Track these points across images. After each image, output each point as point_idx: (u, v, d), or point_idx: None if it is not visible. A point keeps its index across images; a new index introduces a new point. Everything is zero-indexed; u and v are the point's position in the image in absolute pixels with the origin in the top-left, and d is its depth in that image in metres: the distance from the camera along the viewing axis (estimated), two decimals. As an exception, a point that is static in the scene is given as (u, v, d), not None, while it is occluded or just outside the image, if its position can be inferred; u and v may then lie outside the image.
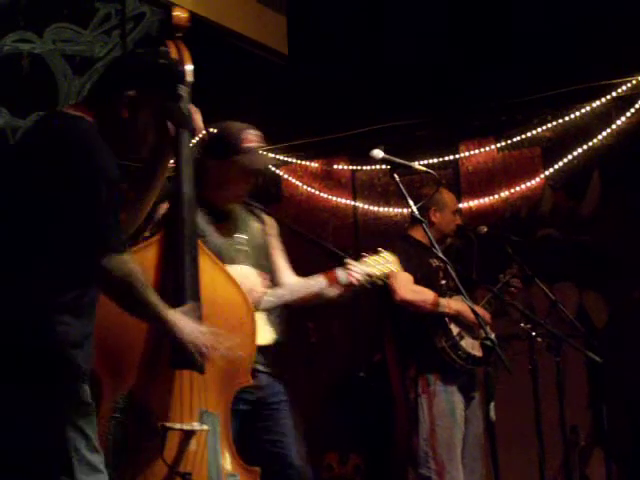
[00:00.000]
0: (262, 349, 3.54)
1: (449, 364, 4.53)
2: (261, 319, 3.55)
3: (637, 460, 5.35)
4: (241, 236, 3.68)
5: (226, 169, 3.60)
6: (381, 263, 3.74)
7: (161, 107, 2.85)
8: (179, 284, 3.16)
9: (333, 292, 3.66)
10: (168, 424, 3.10)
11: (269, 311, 3.61)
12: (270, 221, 3.84)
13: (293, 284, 3.72)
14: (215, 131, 3.68)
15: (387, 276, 3.76)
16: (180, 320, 2.81)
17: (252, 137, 3.62)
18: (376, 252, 3.77)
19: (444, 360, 4.53)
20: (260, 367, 3.57)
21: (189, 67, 3.38)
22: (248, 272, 3.61)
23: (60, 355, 2.56)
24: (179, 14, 3.44)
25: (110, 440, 2.94)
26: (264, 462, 3.47)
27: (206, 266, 3.31)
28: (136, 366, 3.16)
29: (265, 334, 3.57)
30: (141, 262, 3.17)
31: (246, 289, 3.44)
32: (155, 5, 6.11)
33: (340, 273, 3.66)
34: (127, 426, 3.10)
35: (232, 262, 3.55)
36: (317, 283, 3.67)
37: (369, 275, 3.69)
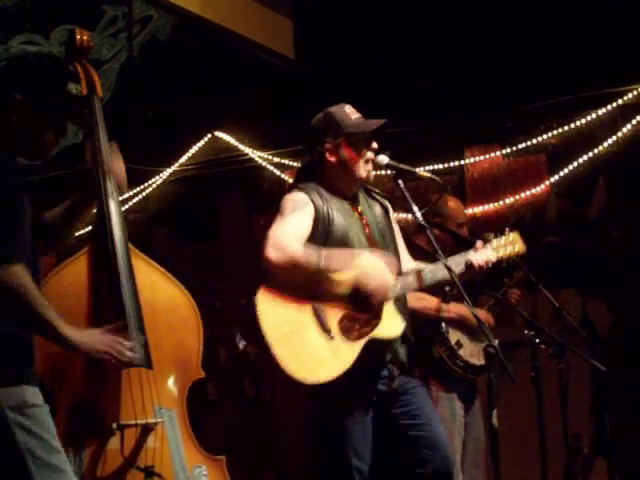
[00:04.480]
0: (392, 342, 3.49)
1: (448, 373, 4.53)
2: (391, 309, 3.50)
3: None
4: (365, 217, 3.65)
5: (341, 149, 3.59)
6: (506, 244, 3.71)
7: (57, 110, 2.83)
8: (116, 292, 3.20)
9: (446, 276, 3.47)
10: (123, 422, 3.16)
11: (397, 299, 3.54)
12: (390, 206, 3.82)
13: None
14: (313, 124, 3.69)
15: (512, 258, 3.71)
16: (75, 335, 2.78)
17: (349, 110, 3.64)
18: (502, 233, 3.73)
19: (443, 369, 4.53)
20: (390, 364, 3.51)
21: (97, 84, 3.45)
22: (376, 262, 3.45)
23: None
24: (81, 36, 3.49)
25: (70, 445, 2.94)
26: (407, 446, 3.47)
27: (143, 270, 3.37)
28: (81, 370, 3.20)
29: (396, 325, 3.49)
30: (74, 274, 3.28)
31: (380, 280, 3.40)
32: (162, 8, 6.11)
33: (471, 257, 3.60)
34: (84, 430, 3.15)
35: (360, 243, 3.52)
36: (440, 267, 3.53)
37: (494, 260, 3.65)
